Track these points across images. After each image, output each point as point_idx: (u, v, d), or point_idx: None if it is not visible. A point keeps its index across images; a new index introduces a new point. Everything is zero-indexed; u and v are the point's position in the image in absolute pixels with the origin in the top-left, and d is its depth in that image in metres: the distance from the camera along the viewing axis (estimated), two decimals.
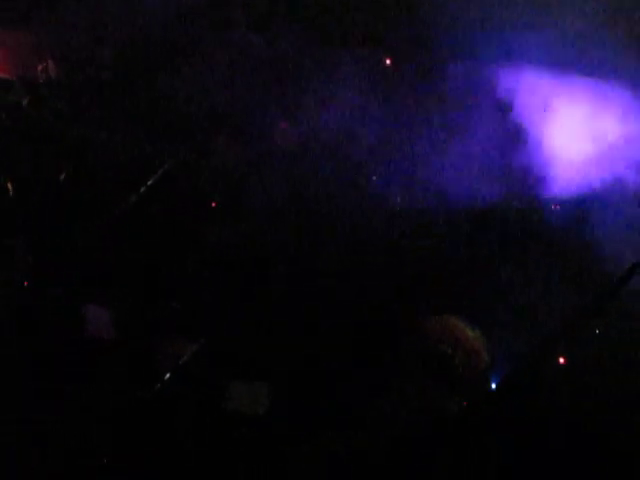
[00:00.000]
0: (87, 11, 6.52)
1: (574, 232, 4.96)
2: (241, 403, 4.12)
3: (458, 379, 2.68)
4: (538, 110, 5.34)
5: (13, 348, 4.04)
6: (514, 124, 5.42)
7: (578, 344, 4.43)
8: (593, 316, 4.28)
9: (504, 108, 5.45)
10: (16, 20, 6.70)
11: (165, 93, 6.25)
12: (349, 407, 3.81)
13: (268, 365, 4.68)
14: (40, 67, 6.64)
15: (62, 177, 5.87)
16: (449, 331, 2.61)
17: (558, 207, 5.13)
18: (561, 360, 4.44)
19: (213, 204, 5.40)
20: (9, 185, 5.54)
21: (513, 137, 5.40)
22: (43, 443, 3.57)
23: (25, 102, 6.72)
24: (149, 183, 4.91)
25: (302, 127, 5.87)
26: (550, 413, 4.17)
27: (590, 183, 5.05)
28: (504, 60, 5.34)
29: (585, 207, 4.96)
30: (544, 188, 5.26)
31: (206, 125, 5.91)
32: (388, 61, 6.14)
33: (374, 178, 5.89)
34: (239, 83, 6.27)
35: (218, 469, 3.84)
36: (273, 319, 5.12)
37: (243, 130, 5.96)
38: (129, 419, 3.89)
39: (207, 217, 5.34)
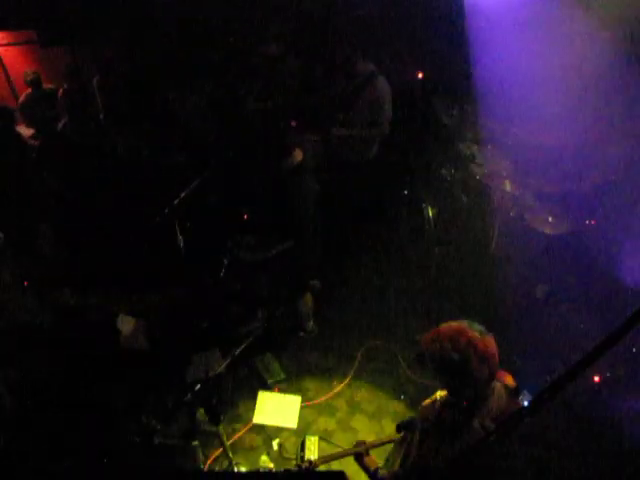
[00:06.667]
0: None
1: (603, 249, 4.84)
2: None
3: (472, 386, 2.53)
4: None
5: (47, 357, 4.12)
6: None
7: (612, 362, 4.34)
8: (626, 334, 4.17)
9: None
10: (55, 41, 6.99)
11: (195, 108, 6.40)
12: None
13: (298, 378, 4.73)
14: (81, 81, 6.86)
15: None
16: (459, 336, 2.47)
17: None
18: (595, 378, 4.35)
19: (245, 216, 5.44)
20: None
21: None
22: (73, 453, 3.64)
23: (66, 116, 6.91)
24: (182, 195, 4.97)
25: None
26: (583, 431, 4.10)
27: None
28: None
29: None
30: None
31: (237, 138, 5.99)
32: (420, 75, 6.19)
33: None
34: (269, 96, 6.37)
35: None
36: (302, 333, 5.15)
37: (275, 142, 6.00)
38: (159, 430, 3.93)
39: (238, 229, 5.38)
